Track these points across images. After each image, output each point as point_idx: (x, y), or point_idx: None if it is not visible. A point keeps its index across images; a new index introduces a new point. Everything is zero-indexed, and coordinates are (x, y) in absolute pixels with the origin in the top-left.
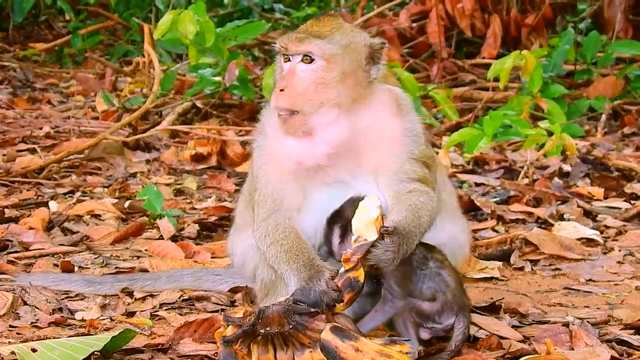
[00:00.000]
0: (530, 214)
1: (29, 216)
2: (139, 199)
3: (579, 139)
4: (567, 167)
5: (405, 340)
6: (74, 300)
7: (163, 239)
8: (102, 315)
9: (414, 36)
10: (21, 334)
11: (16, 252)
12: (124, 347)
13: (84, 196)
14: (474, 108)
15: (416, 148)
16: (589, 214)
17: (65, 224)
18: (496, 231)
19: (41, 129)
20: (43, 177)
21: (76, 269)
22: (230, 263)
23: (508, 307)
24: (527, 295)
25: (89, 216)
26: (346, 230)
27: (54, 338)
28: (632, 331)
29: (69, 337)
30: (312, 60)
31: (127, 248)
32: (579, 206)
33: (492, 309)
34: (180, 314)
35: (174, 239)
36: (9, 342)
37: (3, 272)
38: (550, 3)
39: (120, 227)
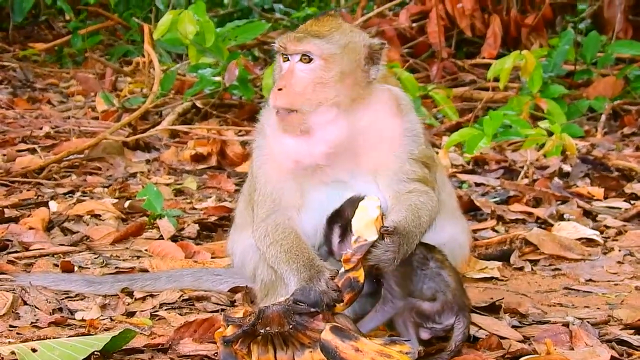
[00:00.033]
0: (530, 214)
1: (29, 216)
2: (139, 199)
3: (578, 139)
4: (567, 167)
5: (405, 340)
6: (74, 300)
7: (163, 239)
8: (102, 315)
9: (413, 36)
10: (21, 334)
11: (16, 252)
12: (124, 347)
13: (84, 196)
14: (474, 108)
15: (416, 148)
16: (588, 214)
17: (65, 224)
18: (496, 231)
19: (41, 129)
20: (43, 177)
21: (76, 269)
22: (230, 263)
23: (508, 307)
24: (527, 295)
25: (89, 216)
26: (346, 230)
27: (54, 338)
28: (632, 331)
29: (69, 337)
30: (310, 60)
31: (127, 248)
32: (578, 206)
33: (492, 309)
34: (180, 314)
35: (174, 239)
36: (9, 342)
37: (3, 272)
38: (550, 3)
39: (120, 227)
